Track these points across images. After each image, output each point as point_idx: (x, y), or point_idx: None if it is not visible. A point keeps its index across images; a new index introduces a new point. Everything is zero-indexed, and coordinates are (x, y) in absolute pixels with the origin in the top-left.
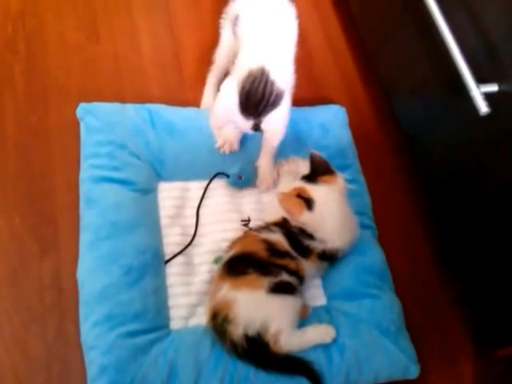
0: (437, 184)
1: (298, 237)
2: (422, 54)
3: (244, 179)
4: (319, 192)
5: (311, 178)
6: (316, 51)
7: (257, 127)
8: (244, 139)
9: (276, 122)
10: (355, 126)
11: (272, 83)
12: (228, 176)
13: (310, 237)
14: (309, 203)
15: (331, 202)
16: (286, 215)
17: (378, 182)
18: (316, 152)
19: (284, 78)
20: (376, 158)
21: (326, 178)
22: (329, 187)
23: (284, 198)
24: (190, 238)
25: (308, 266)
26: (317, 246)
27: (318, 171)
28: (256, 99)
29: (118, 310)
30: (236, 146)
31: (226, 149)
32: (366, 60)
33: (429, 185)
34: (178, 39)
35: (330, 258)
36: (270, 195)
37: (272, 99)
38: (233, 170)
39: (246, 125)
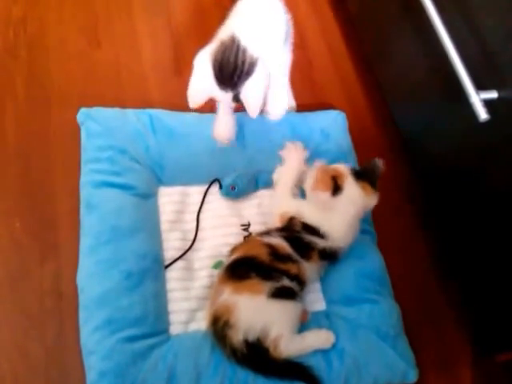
0: (436, 189)
1: (300, 234)
2: (422, 60)
3: (237, 190)
4: (352, 189)
5: (357, 174)
6: (315, 56)
7: (236, 98)
8: (245, 147)
9: (253, 91)
10: (355, 130)
11: (244, 51)
12: (221, 186)
13: (313, 232)
14: (336, 190)
15: (352, 205)
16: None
17: (378, 186)
18: (382, 163)
19: (260, 47)
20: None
21: (367, 186)
22: (363, 195)
23: (321, 171)
24: (190, 243)
25: (309, 268)
26: (318, 242)
27: (368, 176)
28: (229, 69)
29: (117, 315)
30: (231, 136)
31: (224, 142)
32: (366, 65)
33: (428, 189)
34: (178, 44)
35: (330, 257)
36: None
37: (246, 67)
38: (226, 181)
39: (225, 97)
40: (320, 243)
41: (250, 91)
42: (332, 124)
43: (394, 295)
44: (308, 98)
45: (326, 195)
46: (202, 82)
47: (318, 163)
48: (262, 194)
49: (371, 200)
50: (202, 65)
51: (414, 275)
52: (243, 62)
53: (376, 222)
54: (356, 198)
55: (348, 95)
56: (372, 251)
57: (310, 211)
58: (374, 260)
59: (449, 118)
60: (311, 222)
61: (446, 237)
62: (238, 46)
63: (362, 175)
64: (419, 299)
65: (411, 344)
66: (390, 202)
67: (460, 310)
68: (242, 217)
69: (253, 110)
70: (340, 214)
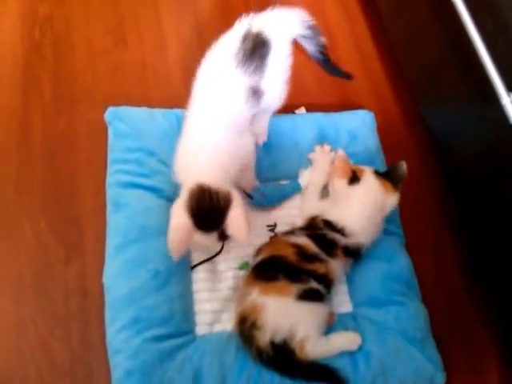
0: (465, 191)
1: (323, 231)
2: (452, 60)
3: (268, 196)
4: (370, 183)
5: (379, 173)
6: (344, 56)
7: (223, 237)
8: (270, 149)
9: (237, 222)
10: (383, 131)
11: (215, 192)
12: (251, 197)
13: (335, 229)
14: (353, 179)
15: (369, 198)
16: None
17: (406, 188)
18: (406, 166)
19: (224, 173)
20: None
21: (389, 185)
22: (381, 190)
23: (341, 159)
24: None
25: (336, 266)
26: (340, 239)
27: (390, 177)
28: (209, 214)
29: (144, 314)
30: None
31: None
32: (395, 65)
33: (457, 192)
34: (205, 44)
35: (353, 254)
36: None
37: (222, 204)
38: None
39: (210, 239)
40: (342, 240)
41: (235, 223)
42: (360, 125)
43: (421, 298)
44: (336, 99)
45: (342, 182)
46: (181, 234)
47: (340, 152)
48: (292, 198)
49: (391, 198)
50: (178, 218)
51: (442, 278)
52: (218, 201)
53: (404, 224)
54: (373, 192)
55: (377, 95)
56: (399, 253)
57: (330, 207)
58: (401, 262)
59: (479, 120)
60: (331, 218)
61: (475, 238)
62: (209, 191)
63: (385, 174)
64: (447, 302)
65: (438, 347)
66: (419, 203)
67: (488, 313)
68: (268, 218)
69: (243, 238)
70: (357, 206)
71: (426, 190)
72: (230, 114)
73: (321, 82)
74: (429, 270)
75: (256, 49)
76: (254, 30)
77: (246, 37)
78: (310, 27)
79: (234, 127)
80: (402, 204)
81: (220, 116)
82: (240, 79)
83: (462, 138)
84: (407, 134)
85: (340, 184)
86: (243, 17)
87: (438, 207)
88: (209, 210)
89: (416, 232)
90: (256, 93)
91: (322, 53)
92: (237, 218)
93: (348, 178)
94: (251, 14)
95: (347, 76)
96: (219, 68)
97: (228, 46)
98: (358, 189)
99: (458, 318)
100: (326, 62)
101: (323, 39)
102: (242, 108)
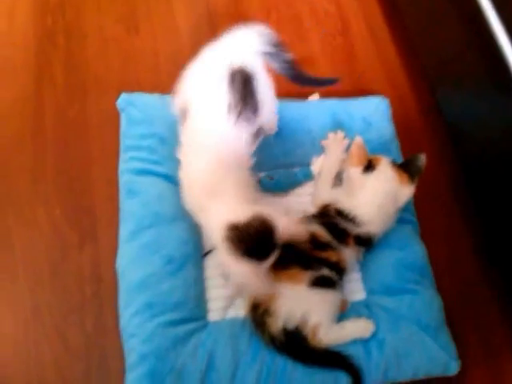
0: (481, 178)
1: (335, 220)
2: (469, 46)
3: (276, 181)
4: (385, 172)
5: (395, 164)
6: (357, 42)
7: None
8: (282, 136)
9: (290, 227)
10: (398, 118)
11: (249, 225)
12: (259, 181)
13: (346, 218)
14: (368, 167)
15: (382, 187)
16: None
17: (421, 176)
18: (425, 158)
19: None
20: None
21: (404, 177)
22: (396, 181)
23: (358, 146)
24: None
25: (348, 254)
26: (352, 228)
27: (407, 168)
28: (257, 245)
29: (158, 299)
30: None
31: None
32: (410, 50)
33: (472, 179)
34: (217, 32)
35: (365, 243)
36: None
37: (264, 230)
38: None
39: (267, 262)
40: (354, 229)
41: (288, 230)
42: (374, 111)
43: (436, 286)
44: (350, 84)
45: (357, 170)
46: (254, 279)
47: (358, 138)
48: (304, 185)
49: (406, 190)
50: (238, 268)
51: (457, 266)
52: (259, 230)
53: (419, 212)
54: (387, 181)
55: (391, 81)
56: (413, 241)
57: (343, 195)
58: (415, 250)
59: (495, 108)
60: (343, 207)
61: (491, 226)
62: (244, 226)
63: (402, 165)
64: (462, 290)
65: (453, 336)
66: (434, 190)
67: (504, 302)
68: (280, 205)
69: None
70: (369, 194)
71: (441, 177)
72: (233, 158)
73: (334, 68)
74: (443, 258)
75: (246, 90)
76: (236, 65)
77: (234, 78)
78: (275, 44)
79: (237, 161)
80: (417, 192)
81: (224, 162)
82: (241, 129)
83: (478, 125)
84: (422, 121)
85: (354, 172)
86: (211, 44)
87: (452, 194)
88: (258, 241)
89: (431, 220)
90: (256, 133)
91: (292, 68)
92: (287, 225)
93: (363, 166)
94: (218, 41)
95: (332, 81)
96: (215, 120)
97: (217, 92)
98: (371, 177)
99: (473, 306)
100: (300, 77)
101: (290, 55)
102: (244, 151)
